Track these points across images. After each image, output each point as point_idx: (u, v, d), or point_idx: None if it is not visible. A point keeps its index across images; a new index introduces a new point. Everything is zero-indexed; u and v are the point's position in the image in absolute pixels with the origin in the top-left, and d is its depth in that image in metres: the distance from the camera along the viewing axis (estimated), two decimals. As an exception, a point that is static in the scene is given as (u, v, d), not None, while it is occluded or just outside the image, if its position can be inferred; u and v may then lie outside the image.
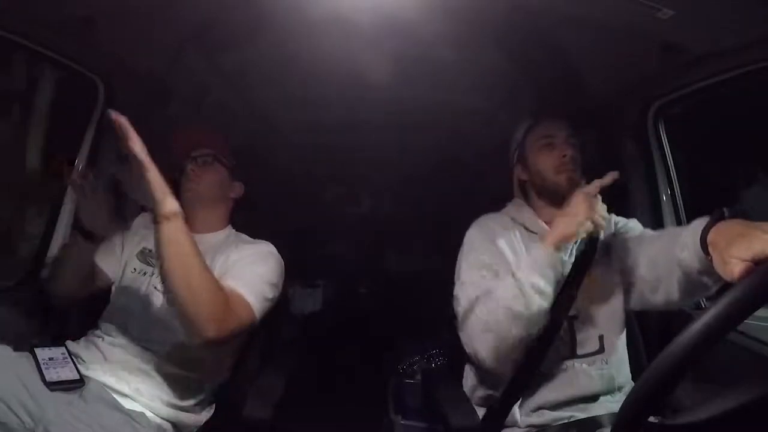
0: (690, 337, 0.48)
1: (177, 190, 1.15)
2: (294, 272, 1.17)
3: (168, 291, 0.91)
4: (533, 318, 0.89)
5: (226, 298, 0.93)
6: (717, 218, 0.69)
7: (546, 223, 1.08)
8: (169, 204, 0.87)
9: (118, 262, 1.19)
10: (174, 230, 0.88)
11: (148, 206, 0.89)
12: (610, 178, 0.94)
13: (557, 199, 1.07)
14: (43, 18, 1.02)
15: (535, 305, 0.89)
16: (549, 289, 0.90)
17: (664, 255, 0.87)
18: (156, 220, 0.87)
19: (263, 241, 1.19)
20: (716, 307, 0.48)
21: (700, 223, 0.74)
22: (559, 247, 0.91)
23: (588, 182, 1.02)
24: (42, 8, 0.99)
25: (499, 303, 0.91)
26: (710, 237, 0.68)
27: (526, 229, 1.08)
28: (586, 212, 0.90)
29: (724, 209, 0.68)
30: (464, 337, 0.98)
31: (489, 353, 0.92)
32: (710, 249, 0.68)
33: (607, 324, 1.03)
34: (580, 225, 0.90)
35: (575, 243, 1.01)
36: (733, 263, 0.56)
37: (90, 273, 1.14)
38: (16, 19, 1.00)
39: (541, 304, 0.89)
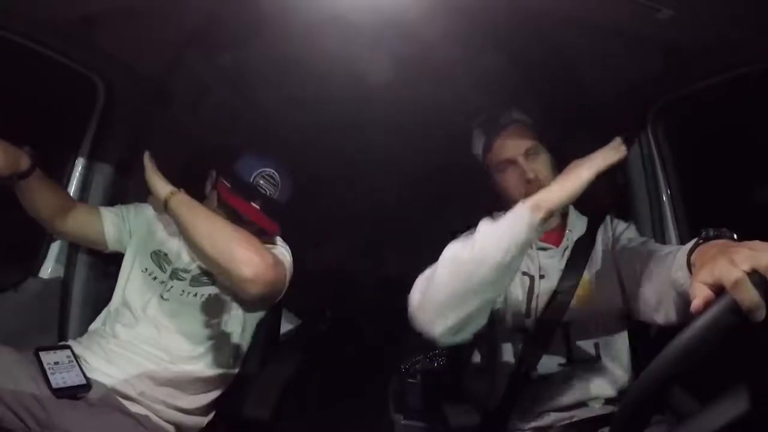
0: (686, 340, 0.48)
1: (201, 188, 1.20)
2: (294, 272, 1.17)
3: (203, 251, 0.98)
4: (475, 269, 0.76)
5: (257, 241, 1.00)
6: (704, 238, 0.66)
7: None
8: (162, 189, 1.05)
9: (124, 236, 1.20)
10: (178, 204, 1.02)
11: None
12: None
13: None
14: (43, 18, 1.01)
15: (485, 255, 0.76)
16: (506, 245, 0.76)
17: (664, 274, 0.82)
18: (165, 207, 1.04)
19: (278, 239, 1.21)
20: (676, 341, 0.48)
21: (691, 242, 0.71)
22: (536, 210, 0.77)
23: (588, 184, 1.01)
24: (42, 8, 0.99)
25: (446, 252, 0.81)
26: (693, 257, 0.67)
27: None
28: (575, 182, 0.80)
29: (710, 230, 0.67)
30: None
31: (417, 295, 0.83)
32: (692, 269, 0.67)
33: (603, 330, 1.01)
34: (565, 191, 0.79)
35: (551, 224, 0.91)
36: (697, 288, 0.53)
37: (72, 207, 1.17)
38: (16, 19, 1.00)
39: (490, 256, 0.76)
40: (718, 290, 0.50)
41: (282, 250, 1.13)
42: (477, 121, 1.14)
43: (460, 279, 0.78)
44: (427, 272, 0.84)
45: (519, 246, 0.77)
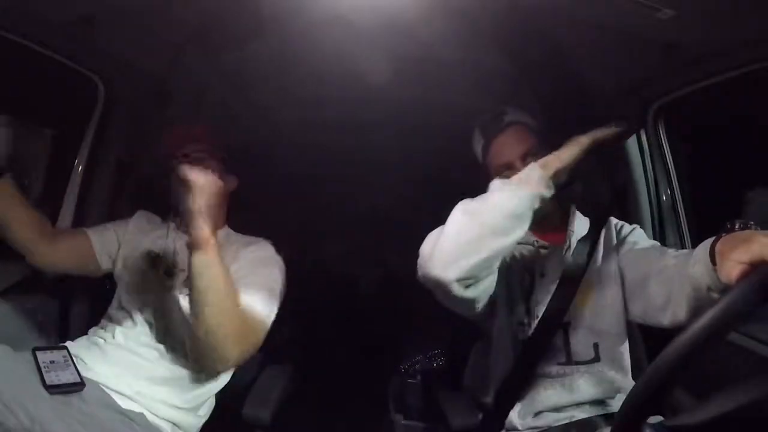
0: (689, 338, 0.48)
1: (169, 195, 1.16)
2: (293, 272, 1.17)
3: (196, 319, 0.94)
4: (487, 216, 0.84)
5: (246, 322, 0.97)
6: (727, 230, 0.68)
7: (532, 231, 1.04)
8: (205, 233, 0.93)
9: (114, 253, 1.18)
10: (206, 262, 0.93)
11: (184, 223, 0.97)
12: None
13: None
14: (43, 18, 1.02)
15: (498, 203, 0.85)
16: (518, 195, 0.85)
17: (677, 272, 0.82)
18: (191, 246, 0.93)
19: (261, 239, 1.19)
20: (714, 309, 0.48)
21: (711, 238, 0.72)
22: (545, 167, 0.88)
23: (588, 183, 1.01)
24: (42, 8, 0.99)
25: (458, 205, 0.88)
26: (717, 246, 0.68)
27: None
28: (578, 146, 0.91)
29: (736, 222, 0.69)
30: None
31: (429, 246, 0.87)
32: (717, 258, 0.68)
33: (603, 332, 1.01)
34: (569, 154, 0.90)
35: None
36: (732, 266, 0.56)
37: (75, 247, 1.14)
38: (16, 19, 1.00)
39: (503, 204, 0.85)
40: (755, 267, 0.54)
41: (266, 305, 1.04)
42: (477, 122, 1.14)
43: (472, 225, 0.84)
44: (438, 229, 0.88)
45: (530, 198, 0.84)
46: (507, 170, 1.03)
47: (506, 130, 1.06)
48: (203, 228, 0.93)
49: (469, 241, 0.82)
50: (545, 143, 1.04)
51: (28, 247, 1.09)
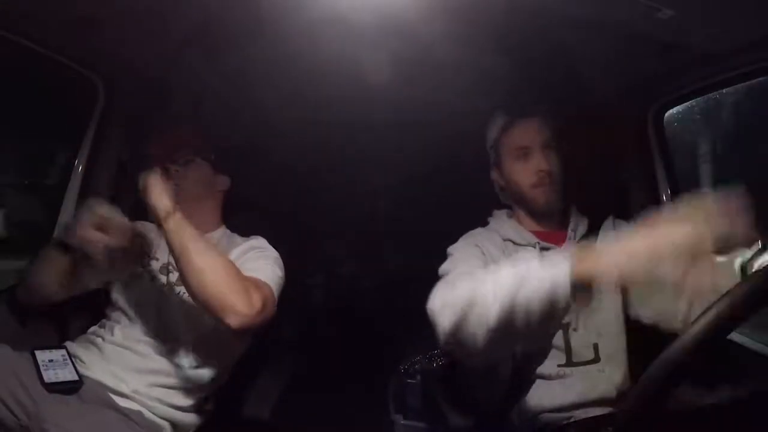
0: (690, 338, 0.49)
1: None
2: (293, 272, 1.17)
3: (191, 286, 0.93)
4: (491, 316, 0.66)
5: (247, 280, 0.95)
6: None
7: (532, 231, 1.06)
8: (165, 204, 0.95)
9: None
10: (177, 226, 0.94)
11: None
12: None
13: (534, 211, 1.06)
14: (43, 18, 1.02)
15: (503, 310, 0.65)
16: (534, 307, 0.64)
17: None
18: (158, 224, 0.95)
19: (255, 236, 1.19)
20: (715, 308, 0.48)
21: None
22: (580, 275, 0.62)
23: (589, 183, 1.01)
24: (42, 8, 0.99)
25: (472, 284, 0.71)
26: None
27: (514, 243, 1.05)
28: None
29: None
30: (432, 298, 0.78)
31: (445, 320, 0.71)
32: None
33: (602, 332, 1.01)
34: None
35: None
36: None
37: (70, 277, 1.10)
38: (16, 19, 1.00)
39: (510, 313, 0.65)
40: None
41: (269, 272, 1.05)
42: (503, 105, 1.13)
43: (502, 320, 0.66)
44: (445, 284, 0.77)
45: (550, 304, 0.63)
46: (523, 156, 1.03)
47: (534, 115, 1.06)
48: (166, 201, 0.95)
49: (499, 338, 0.67)
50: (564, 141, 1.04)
51: (55, 289, 1.07)
